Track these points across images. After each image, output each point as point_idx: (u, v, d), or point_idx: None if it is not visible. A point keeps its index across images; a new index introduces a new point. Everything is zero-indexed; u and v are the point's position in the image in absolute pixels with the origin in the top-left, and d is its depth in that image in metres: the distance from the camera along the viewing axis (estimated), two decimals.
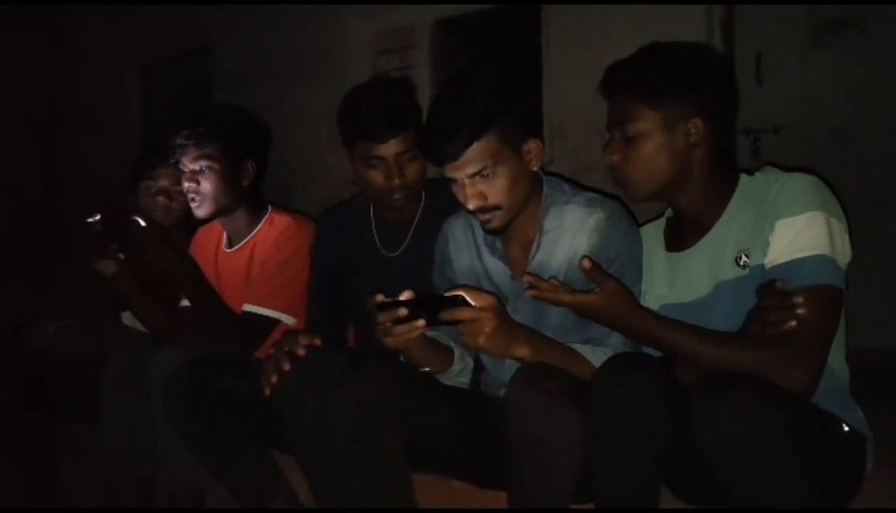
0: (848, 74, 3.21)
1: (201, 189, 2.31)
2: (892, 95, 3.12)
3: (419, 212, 2.19)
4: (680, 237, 1.73)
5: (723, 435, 1.26)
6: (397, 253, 2.20)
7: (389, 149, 2.03)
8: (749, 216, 1.60)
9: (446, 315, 1.56)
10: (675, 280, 1.72)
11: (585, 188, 1.94)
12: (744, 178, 1.66)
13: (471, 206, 1.75)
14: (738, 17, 3.40)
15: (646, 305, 1.69)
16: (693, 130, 1.60)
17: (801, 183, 1.55)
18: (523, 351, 1.62)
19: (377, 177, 2.07)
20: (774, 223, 1.53)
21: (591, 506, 1.57)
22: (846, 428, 1.52)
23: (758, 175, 1.64)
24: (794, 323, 1.42)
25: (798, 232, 1.50)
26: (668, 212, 1.80)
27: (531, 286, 1.56)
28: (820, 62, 3.26)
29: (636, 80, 1.62)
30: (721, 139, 1.65)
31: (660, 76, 1.61)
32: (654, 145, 1.60)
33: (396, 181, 2.06)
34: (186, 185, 2.32)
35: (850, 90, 3.20)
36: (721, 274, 1.62)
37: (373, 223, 2.25)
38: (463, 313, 1.56)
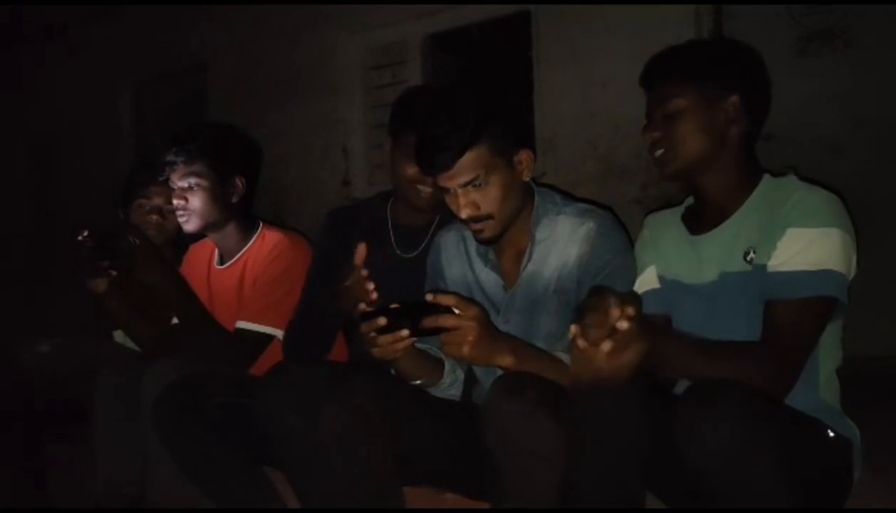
0: (836, 84, 3.23)
1: (189, 206, 2.31)
2: (880, 104, 3.14)
3: (438, 216, 2.19)
4: (697, 222, 1.77)
5: (705, 447, 1.27)
6: (414, 255, 2.20)
7: None
8: (764, 217, 1.63)
9: (429, 323, 1.56)
10: (690, 262, 1.75)
11: (577, 199, 1.95)
12: (767, 177, 1.70)
13: (463, 215, 1.77)
14: (727, 27, 3.42)
15: (653, 288, 1.77)
16: (731, 108, 1.66)
17: (820, 197, 1.59)
18: (507, 360, 1.62)
19: (411, 170, 2.04)
20: (786, 229, 1.56)
21: None
22: (831, 434, 1.53)
23: (781, 179, 1.68)
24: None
25: (809, 244, 1.54)
26: (689, 200, 1.83)
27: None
28: (809, 72, 3.28)
29: (675, 63, 1.74)
30: (753, 125, 1.70)
31: (696, 55, 1.76)
32: (694, 121, 1.67)
33: (430, 189, 2.04)
34: (175, 201, 2.33)
35: (839, 100, 3.22)
36: (728, 265, 1.65)
37: (389, 224, 2.26)
38: (446, 321, 1.56)
